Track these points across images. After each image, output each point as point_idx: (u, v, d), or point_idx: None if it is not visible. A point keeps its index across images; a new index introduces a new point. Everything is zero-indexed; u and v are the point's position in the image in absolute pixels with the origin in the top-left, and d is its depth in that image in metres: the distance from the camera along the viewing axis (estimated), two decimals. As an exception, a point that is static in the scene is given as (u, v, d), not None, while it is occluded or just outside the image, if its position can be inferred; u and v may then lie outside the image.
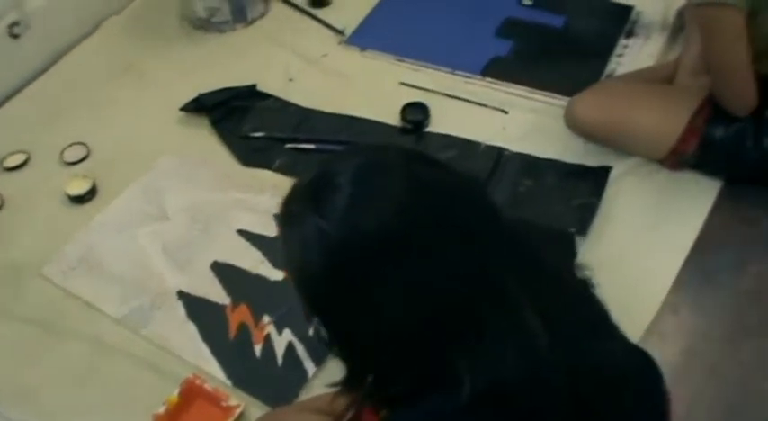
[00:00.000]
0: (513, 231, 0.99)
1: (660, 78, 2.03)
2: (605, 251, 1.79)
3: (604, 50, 2.23)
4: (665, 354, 1.46)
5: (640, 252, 1.80)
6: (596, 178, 1.91)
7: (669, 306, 1.70)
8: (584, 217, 1.82)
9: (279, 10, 2.52)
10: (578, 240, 1.79)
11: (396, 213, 0.90)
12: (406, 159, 0.97)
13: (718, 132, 1.81)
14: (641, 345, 1.14)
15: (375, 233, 0.88)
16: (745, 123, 1.78)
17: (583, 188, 1.90)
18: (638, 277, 1.74)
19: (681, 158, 1.87)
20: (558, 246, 1.71)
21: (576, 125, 1.92)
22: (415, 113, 2.10)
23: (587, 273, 1.13)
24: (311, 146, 2.07)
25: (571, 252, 1.73)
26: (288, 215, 0.96)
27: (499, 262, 0.93)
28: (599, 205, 1.87)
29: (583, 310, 1.06)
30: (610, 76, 2.18)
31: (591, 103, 1.91)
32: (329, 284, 0.92)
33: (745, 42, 1.63)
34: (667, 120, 1.85)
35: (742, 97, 1.73)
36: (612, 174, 1.93)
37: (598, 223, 1.85)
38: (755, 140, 1.78)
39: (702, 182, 1.92)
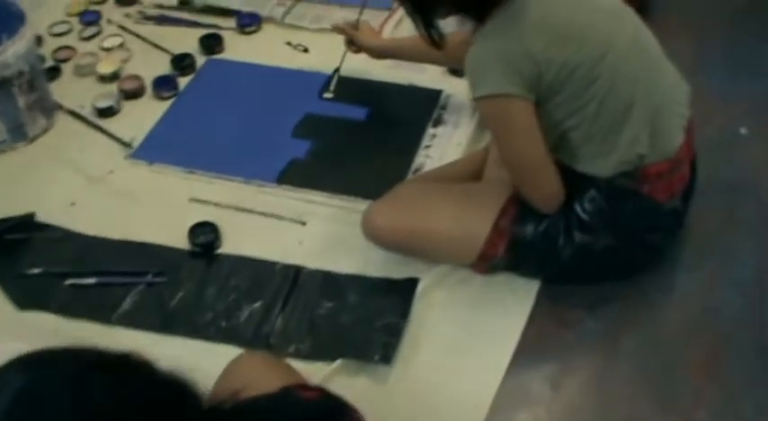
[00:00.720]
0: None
1: (469, 172, 1.92)
2: (415, 378, 1.65)
3: (411, 143, 2.10)
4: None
5: (454, 375, 1.65)
6: (402, 293, 1.77)
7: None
8: (389, 342, 1.67)
9: (64, 124, 2.32)
10: (384, 369, 1.63)
11: None
12: (78, 380, 0.78)
13: (528, 231, 1.70)
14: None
15: None
16: (555, 218, 1.68)
17: (387, 306, 1.75)
18: (453, 403, 1.60)
19: (491, 263, 1.76)
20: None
21: (374, 237, 1.78)
22: (205, 234, 1.92)
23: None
24: (92, 280, 1.87)
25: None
26: None
27: None
28: (405, 325, 1.71)
29: None
30: (418, 170, 2.04)
31: (388, 212, 1.78)
32: None
33: (540, 134, 1.55)
34: (471, 224, 1.73)
35: (547, 194, 1.64)
36: (421, 287, 1.79)
37: (406, 346, 1.70)
38: (567, 236, 1.68)
39: (518, 285, 1.81)
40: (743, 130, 2.15)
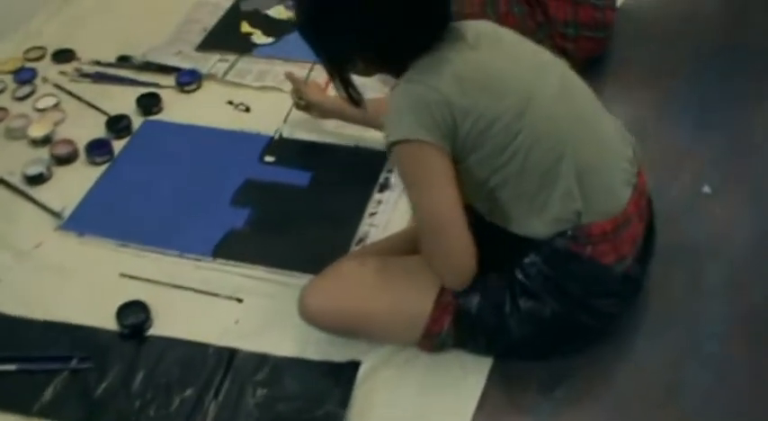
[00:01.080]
0: None
1: (413, 244, 1.78)
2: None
3: (355, 211, 2.01)
4: None
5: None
6: (342, 379, 1.67)
7: None
8: (329, 433, 1.54)
9: (-8, 193, 2.19)
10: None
11: None
12: None
13: (472, 303, 1.61)
14: None
15: None
16: (500, 287, 1.60)
17: (327, 394, 1.65)
18: None
19: (437, 340, 1.66)
20: None
21: (310, 320, 1.69)
22: (134, 315, 1.83)
23: None
24: (13, 367, 1.76)
25: None
26: None
27: None
28: (345, 414, 1.61)
29: None
30: (362, 240, 1.95)
31: (323, 294, 1.69)
32: None
33: (454, 188, 1.48)
34: (413, 300, 1.64)
35: (455, 262, 1.55)
36: (364, 370, 1.69)
37: (347, 436, 1.56)
38: (512, 304, 1.60)
39: (469, 363, 1.71)
40: (706, 189, 2.07)
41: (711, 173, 2.14)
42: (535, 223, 1.56)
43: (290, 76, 2.18)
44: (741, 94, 2.41)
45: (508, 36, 1.60)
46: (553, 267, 1.56)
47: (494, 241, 1.60)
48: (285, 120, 2.22)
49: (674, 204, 2.03)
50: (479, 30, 1.56)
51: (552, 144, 1.52)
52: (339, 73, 1.57)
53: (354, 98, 1.60)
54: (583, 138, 1.56)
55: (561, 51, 2.30)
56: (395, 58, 1.52)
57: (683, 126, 2.29)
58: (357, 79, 1.63)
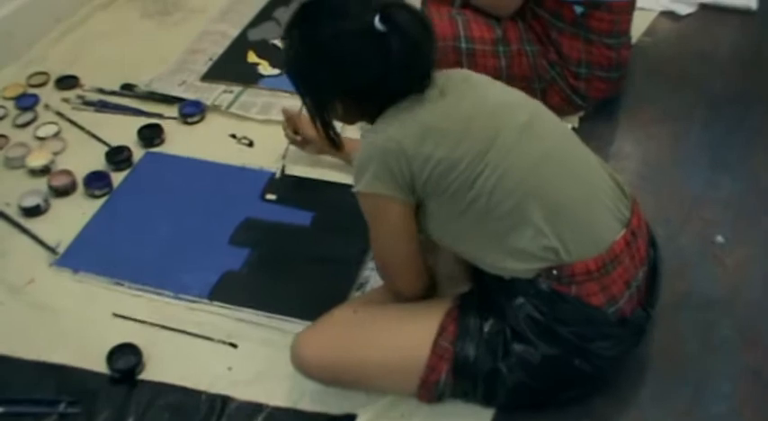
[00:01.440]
0: None
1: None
2: None
3: (357, 254, 1.97)
4: None
5: None
6: (337, 432, 1.60)
7: None
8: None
9: (-12, 226, 2.17)
10: None
11: None
12: None
13: (470, 350, 1.58)
14: None
15: None
16: (495, 331, 1.58)
17: (321, 447, 1.58)
18: None
19: (436, 390, 1.62)
20: None
21: (303, 370, 1.66)
22: (125, 358, 1.80)
23: None
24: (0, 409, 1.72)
25: None
26: None
27: None
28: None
29: None
30: (363, 285, 1.93)
31: (316, 344, 1.66)
32: None
33: (408, 236, 1.59)
34: (408, 347, 1.62)
35: (401, 292, 1.67)
36: (361, 423, 1.62)
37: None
38: (505, 348, 1.57)
39: (470, 414, 1.67)
40: (719, 238, 2.02)
41: (724, 220, 2.11)
42: (509, 263, 1.55)
43: (285, 112, 2.17)
44: (754, 138, 2.38)
45: (478, 80, 1.64)
46: (541, 310, 1.54)
47: (485, 283, 1.61)
48: (284, 156, 2.18)
49: (684, 253, 2.00)
50: (450, 76, 1.61)
51: (516, 183, 1.52)
52: (320, 115, 1.62)
53: (334, 140, 1.68)
54: (553, 176, 1.55)
55: (573, 91, 2.28)
56: (370, 105, 1.57)
57: (696, 171, 2.26)
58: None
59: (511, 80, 2.26)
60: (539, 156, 1.55)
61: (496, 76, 2.17)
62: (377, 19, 1.47)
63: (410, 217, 1.57)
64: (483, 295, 1.62)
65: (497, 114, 1.57)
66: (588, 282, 1.52)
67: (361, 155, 1.54)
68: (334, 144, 1.72)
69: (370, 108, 1.58)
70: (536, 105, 1.65)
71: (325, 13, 1.54)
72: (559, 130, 1.64)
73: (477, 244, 1.58)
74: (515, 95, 1.65)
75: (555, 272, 1.52)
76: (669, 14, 2.95)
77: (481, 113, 1.56)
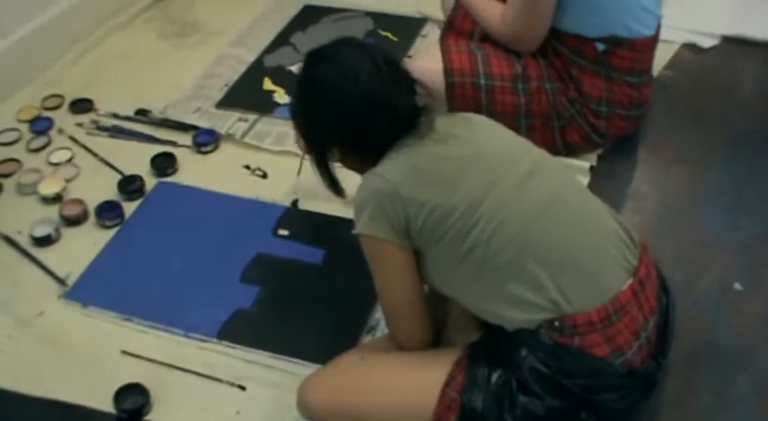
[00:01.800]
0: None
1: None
2: None
3: (368, 294, 1.92)
4: None
5: None
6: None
7: None
8: None
9: (-2, 253, 2.17)
10: None
11: None
12: None
13: (478, 401, 1.55)
14: None
15: None
16: (502, 382, 1.55)
17: None
18: None
19: (443, 441, 1.59)
20: None
21: (309, 416, 1.66)
22: (132, 399, 1.80)
23: None
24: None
25: None
26: None
27: None
28: None
29: None
30: (374, 328, 1.92)
31: (323, 388, 1.65)
32: None
33: (409, 280, 1.59)
34: (415, 396, 1.59)
35: (405, 339, 1.66)
36: (366, 473, 1.60)
37: None
38: (511, 400, 1.54)
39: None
40: (737, 286, 2.00)
41: (743, 266, 2.09)
42: (509, 313, 1.54)
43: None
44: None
45: (483, 126, 1.67)
46: (545, 362, 1.52)
47: (493, 333, 1.59)
48: (299, 173, 2.16)
49: (701, 300, 1.98)
50: (454, 122, 1.64)
51: (514, 233, 1.52)
52: (321, 161, 1.69)
53: (335, 187, 1.74)
54: (554, 226, 1.55)
55: (593, 129, 2.26)
56: (365, 150, 1.62)
57: (715, 212, 2.24)
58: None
59: (529, 117, 2.25)
60: (540, 205, 1.55)
61: (515, 112, 2.18)
62: (361, 62, 1.56)
63: (408, 262, 1.58)
64: (492, 344, 1.60)
65: (497, 163, 1.58)
66: (591, 333, 1.51)
67: (359, 196, 1.57)
68: (336, 191, 1.76)
69: (367, 154, 1.62)
70: (540, 154, 1.65)
71: (322, 59, 1.63)
72: (564, 179, 1.64)
73: (477, 293, 1.58)
74: (519, 143, 1.67)
75: (557, 323, 1.51)
76: (691, 47, 2.92)
77: (480, 162, 1.57)
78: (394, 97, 1.59)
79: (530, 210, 1.54)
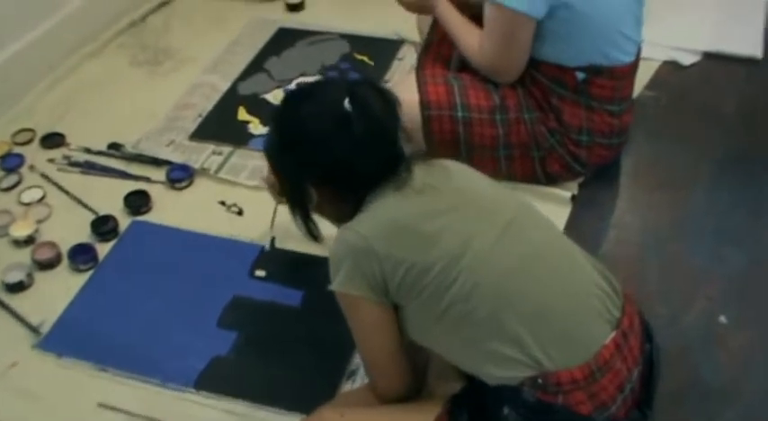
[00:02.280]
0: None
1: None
2: None
3: (348, 338, 1.90)
4: None
5: None
6: None
7: None
8: None
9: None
10: None
11: None
12: None
13: None
14: None
15: None
16: None
17: None
18: None
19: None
20: None
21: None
22: (109, 456, 1.74)
23: None
24: None
25: None
26: None
27: None
28: None
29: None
30: (353, 373, 1.92)
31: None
32: None
33: (387, 335, 1.59)
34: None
35: (384, 393, 1.65)
36: None
37: None
38: None
39: None
40: (722, 319, 1.99)
41: (728, 297, 2.08)
42: (490, 369, 1.52)
43: (267, 180, 2.08)
44: (758, 206, 2.35)
45: (462, 176, 1.65)
46: (528, 418, 1.50)
47: (476, 385, 1.58)
48: (271, 226, 2.15)
49: (686, 335, 1.98)
50: (431, 171, 1.61)
51: (493, 289, 1.50)
52: (297, 203, 1.67)
53: (312, 233, 1.72)
54: (534, 281, 1.53)
55: (573, 158, 2.25)
56: (344, 192, 1.62)
57: (699, 243, 2.23)
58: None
59: (509, 148, 2.25)
60: (519, 259, 1.54)
61: (494, 144, 2.17)
62: (346, 100, 1.52)
63: (386, 317, 1.57)
64: (473, 399, 1.59)
65: (476, 215, 1.56)
66: (575, 391, 1.49)
67: (335, 251, 1.56)
68: (313, 237, 1.73)
69: (348, 197, 1.61)
70: (520, 204, 1.64)
71: (303, 97, 1.62)
72: (544, 230, 1.63)
73: (457, 348, 1.56)
74: (499, 193, 1.65)
75: (540, 380, 1.49)
76: (672, 64, 2.91)
77: (458, 214, 1.55)
78: (384, 140, 1.58)
79: (510, 265, 1.53)
